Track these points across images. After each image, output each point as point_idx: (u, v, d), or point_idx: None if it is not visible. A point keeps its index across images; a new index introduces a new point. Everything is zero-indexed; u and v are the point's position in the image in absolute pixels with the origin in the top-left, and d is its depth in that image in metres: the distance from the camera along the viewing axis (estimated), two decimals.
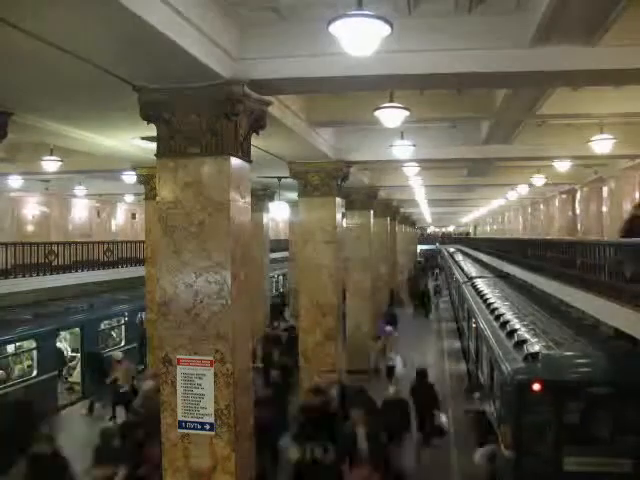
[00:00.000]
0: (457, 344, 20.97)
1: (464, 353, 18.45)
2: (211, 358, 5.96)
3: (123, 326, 17.99)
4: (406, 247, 40.48)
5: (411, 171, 14.84)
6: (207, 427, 5.95)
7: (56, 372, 14.59)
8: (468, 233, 77.91)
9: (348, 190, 14.21)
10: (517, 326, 10.53)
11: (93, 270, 20.18)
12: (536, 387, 7.74)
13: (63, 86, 6.36)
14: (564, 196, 25.66)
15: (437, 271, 47.45)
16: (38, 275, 17.28)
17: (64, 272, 18.55)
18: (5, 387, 12.91)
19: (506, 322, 11.13)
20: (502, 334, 10.50)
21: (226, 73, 5.75)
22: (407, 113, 8.14)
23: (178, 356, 6.05)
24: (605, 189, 19.64)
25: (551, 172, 17.04)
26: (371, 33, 4.61)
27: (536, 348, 8.65)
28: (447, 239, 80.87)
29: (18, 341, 14.01)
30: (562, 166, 15.15)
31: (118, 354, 14.26)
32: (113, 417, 12.62)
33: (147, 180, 12.39)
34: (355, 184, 15.40)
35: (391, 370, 13.68)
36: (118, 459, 6.97)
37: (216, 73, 5.60)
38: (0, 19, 4.20)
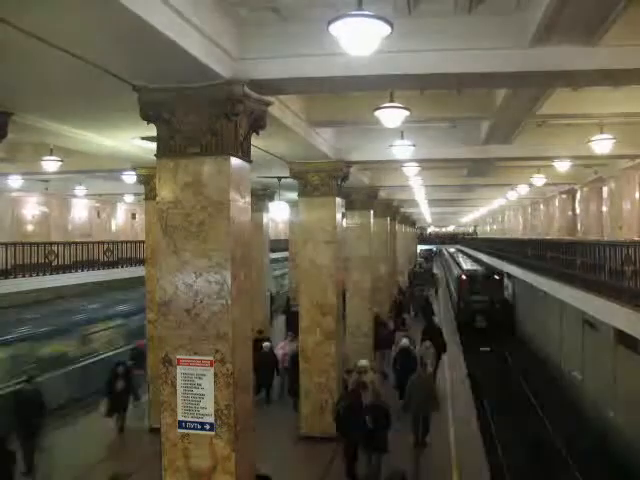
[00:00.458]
0: None
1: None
2: (211, 358, 5.96)
3: None
4: (406, 247, 40.38)
5: (411, 171, 14.85)
6: (207, 427, 5.95)
7: None
8: (472, 233, 76.92)
9: (348, 190, 14.20)
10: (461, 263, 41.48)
11: (93, 270, 20.18)
12: (464, 277, 32.20)
13: (63, 86, 6.36)
14: (564, 196, 25.69)
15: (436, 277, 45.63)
16: (38, 275, 17.27)
17: (64, 272, 18.56)
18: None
19: (458, 263, 43.31)
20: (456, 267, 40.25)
21: (226, 73, 5.75)
22: (407, 113, 8.14)
23: (178, 356, 6.05)
24: (605, 189, 19.65)
25: (551, 172, 17.05)
26: (371, 33, 4.61)
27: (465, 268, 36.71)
28: (447, 239, 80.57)
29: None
30: (562, 166, 15.15)
31: None
32: None
33: (147, 180, 12.33)
34: (355, 184, 15.40)
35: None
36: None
37: (216, 73, 5.60)
38: (0, 19, 4.20)
